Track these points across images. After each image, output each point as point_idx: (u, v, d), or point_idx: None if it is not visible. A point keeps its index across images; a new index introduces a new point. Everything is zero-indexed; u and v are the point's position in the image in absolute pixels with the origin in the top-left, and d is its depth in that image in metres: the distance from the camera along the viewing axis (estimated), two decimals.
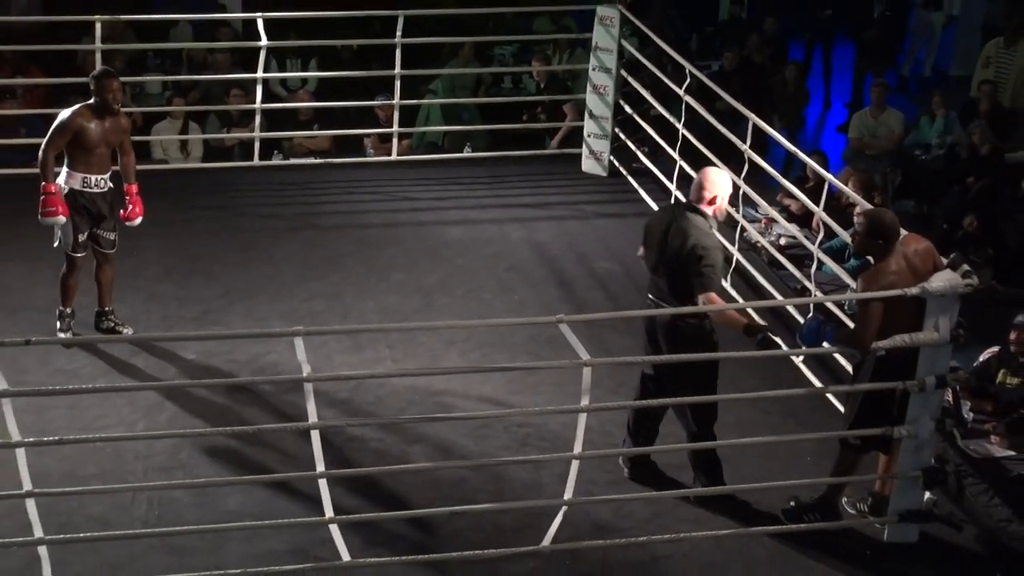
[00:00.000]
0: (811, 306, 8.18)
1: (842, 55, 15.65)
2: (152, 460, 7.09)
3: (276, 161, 11.77)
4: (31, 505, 5.98)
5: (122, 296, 8.93)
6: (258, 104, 11.33)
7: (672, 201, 7.97)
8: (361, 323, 8.65)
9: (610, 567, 6.43)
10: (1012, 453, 7.54)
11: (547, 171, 11.67)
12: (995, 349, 8.27)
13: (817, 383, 7.87)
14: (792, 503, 6.82)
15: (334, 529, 6.30)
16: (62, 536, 6.17)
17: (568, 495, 6.39)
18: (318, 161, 11.71)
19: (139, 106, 12.27)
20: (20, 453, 5.91)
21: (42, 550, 6.01)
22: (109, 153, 8.39)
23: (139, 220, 8.55)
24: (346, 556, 6.25)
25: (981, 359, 8.32)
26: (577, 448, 6.31)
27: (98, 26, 11.03)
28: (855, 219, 6.69)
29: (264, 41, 11.05)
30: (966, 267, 6.44)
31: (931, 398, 6.44)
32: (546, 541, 6.41)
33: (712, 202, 6.79)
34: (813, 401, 7.65)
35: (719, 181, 6.89)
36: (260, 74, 11.24)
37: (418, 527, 6.62)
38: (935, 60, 16.36)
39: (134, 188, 8.53)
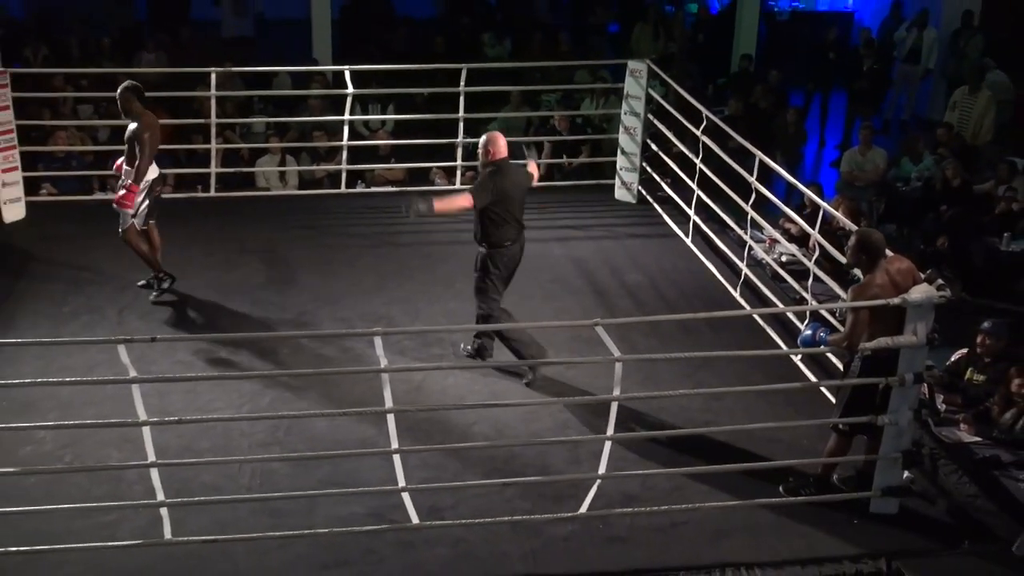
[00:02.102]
0: (808, 313, 8.15)
1: (835, 102, 15.56)
2: (254, 437, 7.14)
3: (359, 189, 11.82)
4: (154, 474, 6.04)
5: (230, 300, 9.01)
6: (345, 142, 11.41)
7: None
8: (429, 325, 8.67)
9: (636, 531, 6.41)
10: (978, 439, 7.48)
11: (585, 198, 11.64)
12: (964, 351, 8.22)
13: (813, 378, 7.84)
14: (791, 479, 6.79)
15: (405, 496, 6.31)
16: (180, 500, 6.24)
17: (601, 470, 6.38)
18: (394, 189, 11.74)
19: (246, 143, 12.37)
20: (146, 431, 5.97)
21: (163, 511, 6.07)
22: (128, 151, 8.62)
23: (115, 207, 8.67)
24: (415, 519, 6.27)
25: (952, 359, 8.27)
26: (610, 431, 6.30)
27: (213, 76, 11.14)
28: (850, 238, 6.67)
29: (351, 89, 11.11)
30: (940, 281, 6.42)
31: (910, 392, 6.41)
32: (583, 508, 6.40)
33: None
34: (809, 393, 7.59)
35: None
36: (347, 116, 11.30)
37: (475, 495, 6.62)
38: (914, 106, 16.25)
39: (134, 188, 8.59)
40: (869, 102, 14.86)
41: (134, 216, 8.69)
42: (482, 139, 7.89)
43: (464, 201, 7.64)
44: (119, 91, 8.66)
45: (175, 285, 9.07)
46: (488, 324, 7.88)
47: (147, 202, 8.76)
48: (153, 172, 8.75)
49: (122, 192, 8.54)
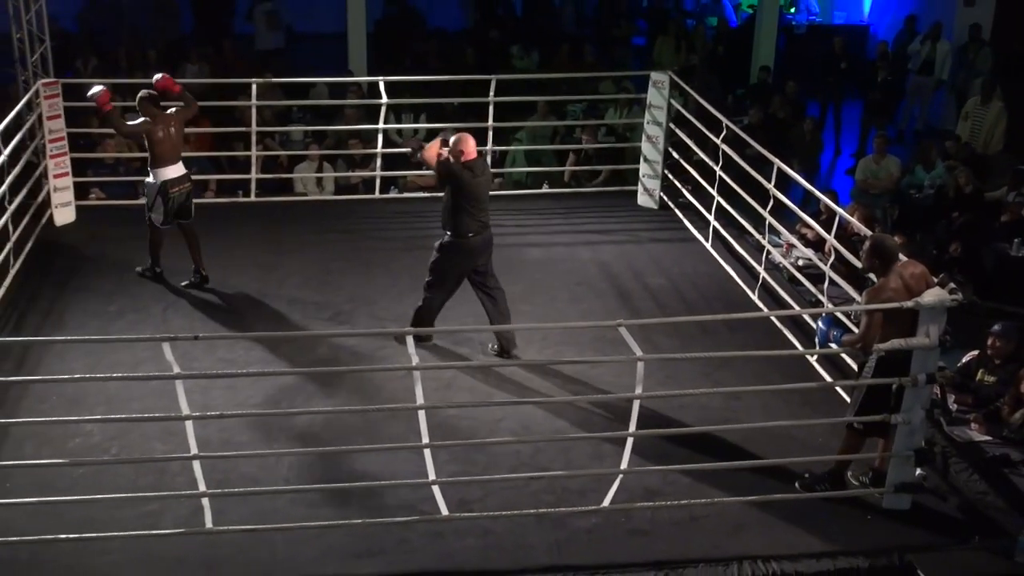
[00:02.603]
0: (823, 315, 8.09)
1: (850, 112, 15.47)
2: (292, 431, 7.16)
3: (392, 195, 11.84)
4: (196, 466, 6.06)
5: (270, 300, 9.05)
6: (379, 149, 11.43)
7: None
8: (459, 325, 8.68)
9: (657, 524, 6.40)
10: (989, 438, 7.44)
11: (609, 204, 11.62)
12: (975, 352, 8.14)
13: (828, 378, 7.80)
14: (806, 475, 6.76)
15: (436, 489, 6.32)
16: (220, 491, 6.25)
17: (623, 465, 6.37)
18: (426, 195, 11.74)
19: (285, 150, 12.41)
20: (188, 424, 6.00)
21: (204, 501, 6.09)
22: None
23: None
24: (445, 511, 6.27)
25: (964, 360, 8.20)
26: (632, 427, 6.29)
27: (254, 86, 11.19)
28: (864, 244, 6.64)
29: (385, 99, 11.13)
30: (952, 285, 6.41)
31: (922, 392, 6.36)
32: (605, 502, 6.38)
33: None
34: (825, 393, 7.55)
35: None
36: (381, 125, 11.33)
37: (503, 488, 6.61)
38: (927, 117, 16.13)
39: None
40: (883, 112, 14.77)
41: (150, 210, 9.01)
42: (452, 139, 7.95)
43: (432, 152, 7.90)
44: (137, 98, 8.95)
45: (216, 285, 9.14)
46: (419, 319, 8.07)
47: (165, 203, 8.96)
48: (170, 173, 8.95)
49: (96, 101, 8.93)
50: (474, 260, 8.05)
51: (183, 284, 9.17)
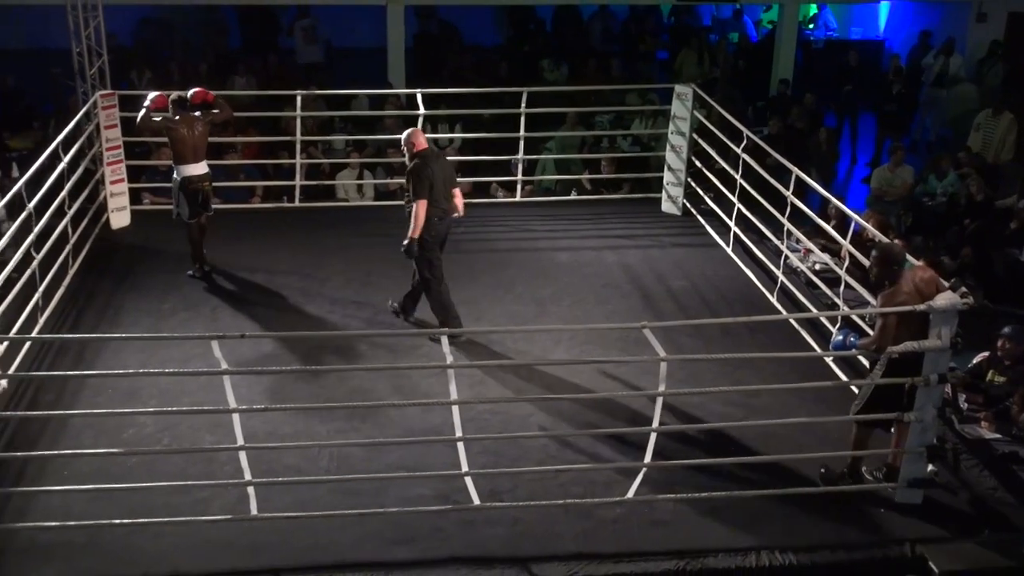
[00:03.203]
0: (839, 318, 8.05)
1: (866, 123, 15.37)
2: (332, 424, 7.19)
3: None
4: (243, 456, 6.11)
5: (313, 300, 9.09)
6: None
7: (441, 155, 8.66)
8: (492, 325, 8.68)
9: (679, 515, 6.38)
10: (998, 436, 7.38)
11: (634, 211, 11.59)
12: (986, 354, 8.07)
13: (844, 377, 7.75)
14: (823, 470, 6.72)
15: (468, 480, 6.33)
16: (265, 479, 6.30)
17: (647, 459, 6.36)
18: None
19: (327, 158, 12.46)
20: (235, 417, 6.04)
21: (250, 490, 6.14)
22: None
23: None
24: (477, 501, 6.29)
25: (974, 361, 8.13)
26: (655, 423, 6.28)
27: (298, 98, 11.25)
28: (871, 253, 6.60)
29: (422, 110, 11.16)
30: (963, 289, 6.34)
31: (934, 391, 6.32)
32: (630, 493, 6.38)
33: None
34: (840, 391, 7.50)
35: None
36: None
37: (532, 480, 6.61)
38: (940, 128, 16.01)
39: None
40: (898, 123, 14.67)
41: (177, 207, 9.29)
42: (404, 135, 8.32)
43: (421, 209, 8.11)
44: (168, 99, 9.33)
45: (262, 284, 9.21)
46: (430, 290, 8.38)
47: (188, 197, 9.20)
48: (190, 171, 9.20)
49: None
50: (442, 238, 8.41)
51: (188, 273, 9.45)
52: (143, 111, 9.21)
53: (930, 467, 6.60)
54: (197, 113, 9.24)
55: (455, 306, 8.40)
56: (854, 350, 6.58)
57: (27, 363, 7.75)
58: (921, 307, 6.12)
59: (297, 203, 11.35)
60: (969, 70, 15.65)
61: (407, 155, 8.26)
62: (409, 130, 8.44)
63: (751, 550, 6.10)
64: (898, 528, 6.35)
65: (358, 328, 8.65)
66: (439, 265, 8.39)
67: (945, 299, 6.16)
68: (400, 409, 7.27)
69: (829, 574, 6.12)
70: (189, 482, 6.38)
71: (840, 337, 6.60)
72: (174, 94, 9.31)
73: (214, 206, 9.48)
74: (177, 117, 9.15)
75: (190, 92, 9.35)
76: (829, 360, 7.91)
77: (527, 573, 5.94)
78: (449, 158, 12.08)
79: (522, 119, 11.31)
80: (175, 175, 9.26)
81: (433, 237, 8.28)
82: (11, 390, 7.44)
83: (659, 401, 6.24)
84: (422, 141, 8.29)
